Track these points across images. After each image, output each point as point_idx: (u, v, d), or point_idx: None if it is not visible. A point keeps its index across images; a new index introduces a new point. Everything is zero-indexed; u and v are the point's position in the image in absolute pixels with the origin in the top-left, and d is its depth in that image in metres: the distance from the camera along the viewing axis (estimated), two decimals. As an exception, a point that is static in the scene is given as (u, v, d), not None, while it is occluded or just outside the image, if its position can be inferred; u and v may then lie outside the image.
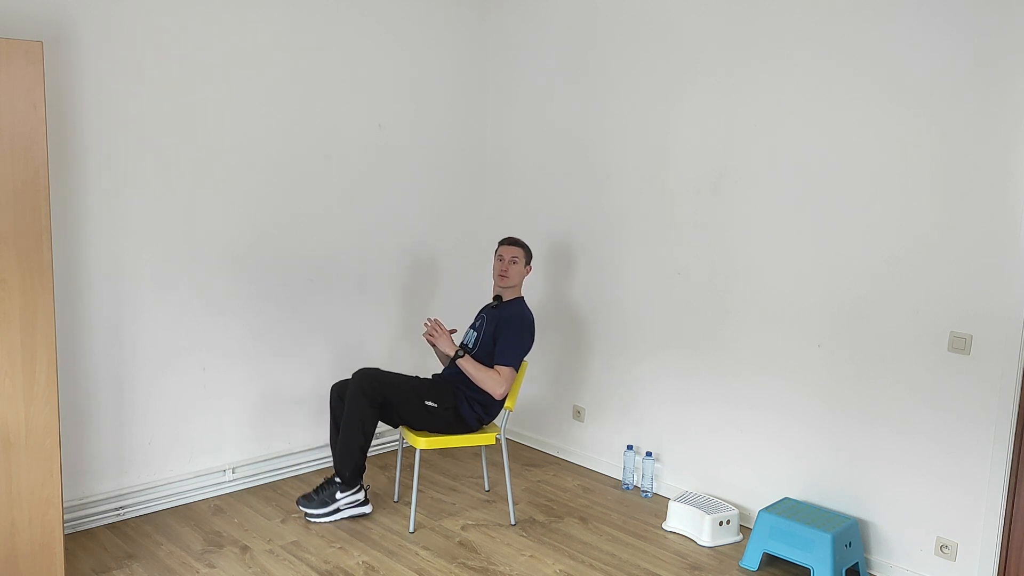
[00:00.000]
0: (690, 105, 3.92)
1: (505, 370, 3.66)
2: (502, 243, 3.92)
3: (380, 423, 3.67)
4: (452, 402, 3.69)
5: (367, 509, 3.75)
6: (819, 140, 3.48)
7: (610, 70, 4.23)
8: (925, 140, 3.18)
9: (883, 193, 3.30)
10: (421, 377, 3.92)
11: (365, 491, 3.78)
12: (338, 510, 3.70)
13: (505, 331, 3.71)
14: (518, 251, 3.87)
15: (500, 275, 3.84)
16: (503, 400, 3.72)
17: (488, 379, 3.65)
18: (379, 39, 4.35)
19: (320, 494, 3.68)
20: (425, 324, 3.77)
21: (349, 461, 3.62)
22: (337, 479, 3.67)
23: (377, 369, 3.67)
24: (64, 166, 3.38)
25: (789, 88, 3.56)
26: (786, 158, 3.59)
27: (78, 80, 3.39)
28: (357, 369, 3.80)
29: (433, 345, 3.77)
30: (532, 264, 3.99)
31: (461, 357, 3.67)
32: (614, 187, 4.27)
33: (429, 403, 3.65)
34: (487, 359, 3.71)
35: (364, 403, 3.54)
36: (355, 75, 4.27)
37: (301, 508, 3.68)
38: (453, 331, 3.87)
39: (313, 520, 3.69)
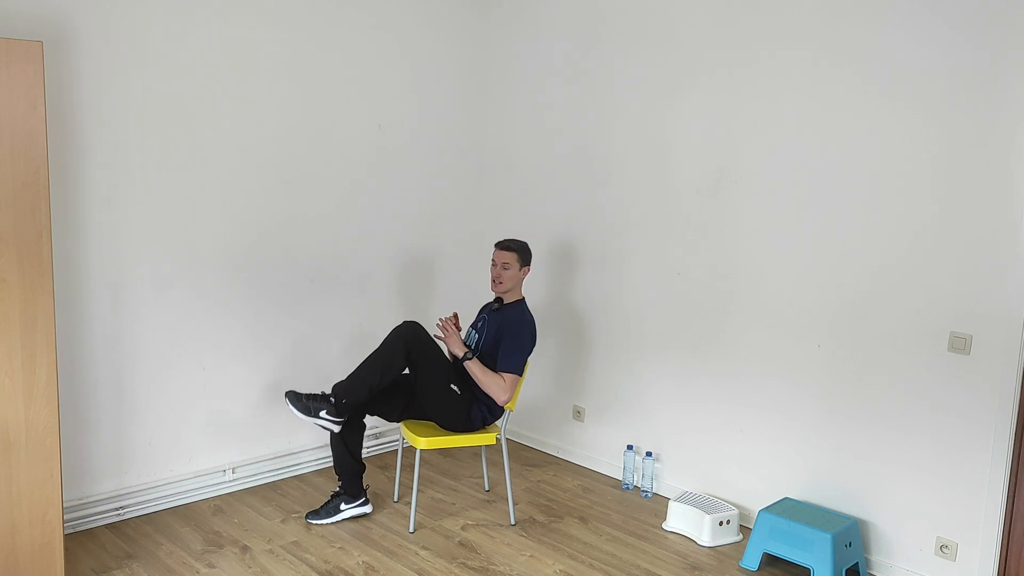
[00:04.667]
0: (690, 105, 3.92)
1: (509, 377, 3.65)
2: (496, 247, 3.84)
3: (381, 420, 3.65)
4: (471, 394, 3.71)
5: (367, 509, 3.76)
6: (819, 140, 3.48)
7: (610, 70, 4.23)
8: (925, 140, 3.18)
9: (883, 193, 3.30)
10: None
11: (365, 491, 3.79)
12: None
13: (507, 337, 3.69)
14: (510, 256, 3.78)
15: (494, 281, 3.80)
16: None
17: (493, 384, 3.64)
18: (379, 39, 4.35)
19: (326, 507, 3.73)
20: (438, 323, 3.75)
21: (353, 391, 3.56)
22: (340, 490, 3.70)
23: (425, 332, 3.65)
24: (64, 166, 3.38)
25: (789, 88, 3.56)
26: (786, 158, 3.59)
27: (78, 80, 3.39)
28: (408, 321, 3.69)
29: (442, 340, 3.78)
30: (532, 264, 3.92)
31: (470, 359, 3.66)
32: (614, 187, 4.27)
33: (454, 387, 3.66)
34: (488, 363, 3.71)
35: (401, 351, 3.54)
36: (355, 75, 4.27)
37: (309, 521, 3.71)
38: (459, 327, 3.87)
39: (316, 523, 3.71)
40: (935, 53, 3.12)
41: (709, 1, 3.80)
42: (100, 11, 3.41)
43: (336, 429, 3.60)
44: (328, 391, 3.66)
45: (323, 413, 3.56)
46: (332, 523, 3.70)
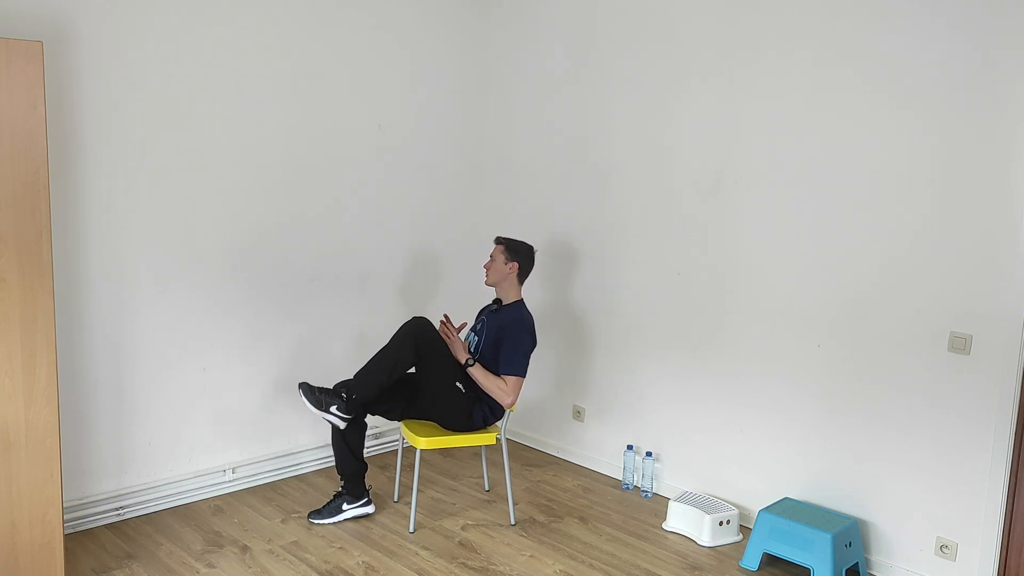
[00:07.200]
0: (690, 105, 3.92)
1: (512, 379, 3.66)
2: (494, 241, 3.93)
3: (382, 419, 3.66)
4: (475, 395, 3.71)
5: (370, 509, 3.77)
6: (819, 140, 3.48)
7: (610, 70, 4.23)
8: (925, 139, 3.18)
9: (883, 193, 3.30)
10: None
11: (368, 491, 3.79)
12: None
13: (507, 339, 3.70)
14: (497, 249, 3.83)
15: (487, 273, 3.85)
16: None
17: (497, 388, 3.66)
18: (379, 39, 4.35)
19: (328, 507, 3.74)
20: (441, 322, 3.75)
21: (364, 388, 3.57)
22: (343, 490, 3.70)
23: (434, 328, 3.66)
24: (64, 166, 3.38)
25: (789, 88, 3.56)
26: (786, 158, 3.59)
27: (78, 80, 3.39)
28: (416, 317, 3.71)
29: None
30: (526, 263, 3.83)
31: (471, 365, 3.67)
32: (614, 187, 4.27)
33: (459, 384, 3.66)
34: (489, 366, 3.71)
35: (411, 347, 3.55)
36: (355, 75, 4.28)
37: (312, 520, 3.72)
38: (463, 325, 3.86)
39: (318, 523, 3.72)
40: (935, 53, 3.12)
41: (709, 1, 3.80)
42: (100, 11, 3.41)
43: (342, 425, 3.60)
44: (331, 387, 3.67)
45: (334, 408, 3.57)
46: (334, 523, 3.70)
